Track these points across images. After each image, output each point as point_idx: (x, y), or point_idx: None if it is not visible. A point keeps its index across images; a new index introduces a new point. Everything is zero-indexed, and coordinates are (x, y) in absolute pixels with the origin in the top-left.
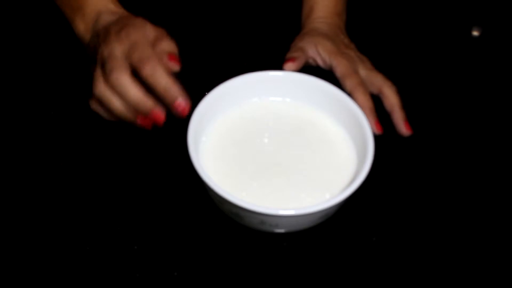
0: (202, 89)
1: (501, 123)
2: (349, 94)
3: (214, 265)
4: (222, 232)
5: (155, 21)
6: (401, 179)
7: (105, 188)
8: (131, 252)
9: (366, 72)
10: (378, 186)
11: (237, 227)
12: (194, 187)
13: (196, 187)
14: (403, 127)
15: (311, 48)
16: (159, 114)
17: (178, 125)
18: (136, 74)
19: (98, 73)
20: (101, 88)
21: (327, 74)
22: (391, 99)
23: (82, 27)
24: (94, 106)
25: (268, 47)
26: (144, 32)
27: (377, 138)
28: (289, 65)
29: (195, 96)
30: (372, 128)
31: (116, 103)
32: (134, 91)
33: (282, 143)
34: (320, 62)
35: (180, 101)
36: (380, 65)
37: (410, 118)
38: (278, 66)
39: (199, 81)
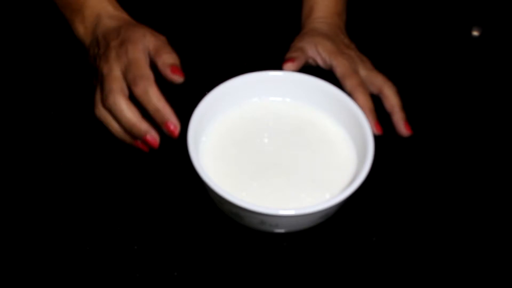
0: (202, 89)
1: (501, 123)
2: (349, 94)
3: (214, 265)
4: (222, 232)
5: (155, 22)
6: (401, 179)
7: (105, 188)
8: (131, 252)
9: (366, 72)
10: (378, 186)
11: (237, 227)
12: (194, 187)
13: (196, 187)
14: (403, 128)
15: (311, 48)
16: (153, 139)
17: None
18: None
19: (98, 95)
20: (100, 111)
21: (327, 74)
22: (391, 100)
23: (82, 30)
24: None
25: (268, 47)
26: (144, 45)
27: (377, 138)
28: (288, 65)
29: (195, 96)
30: (371, 128)
31: (114, 126)
32: (129, 115)
33: (282, 143)
34: (320, 62)
35: (170, 123)
36: (380, 65)
37: (410, 118)
38: (278, 66)
39: (199, 81)
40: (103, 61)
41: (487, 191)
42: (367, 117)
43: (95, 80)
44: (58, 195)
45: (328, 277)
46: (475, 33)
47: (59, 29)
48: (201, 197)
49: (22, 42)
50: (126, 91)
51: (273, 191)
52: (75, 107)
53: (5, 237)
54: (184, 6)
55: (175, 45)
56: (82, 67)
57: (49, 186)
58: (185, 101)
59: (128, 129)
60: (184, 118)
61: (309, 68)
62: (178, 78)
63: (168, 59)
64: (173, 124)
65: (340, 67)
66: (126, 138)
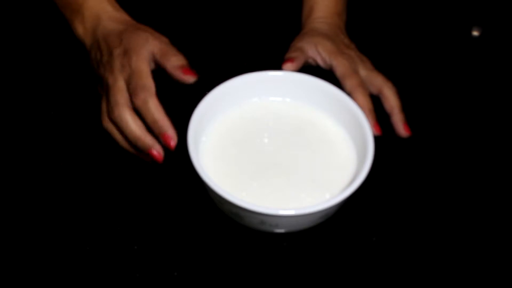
0: (202, 89)
1: (501, 123)
2: (349, 94)
3: (214, 265)
4: (222, 232)
5: (155, 22)
6: (401, 179)
7: (105, 188)
8: (131, 252)
9: (366, 72)
10: (378, 186)
11: (237, 227)
12: (194, 187)
13: (196, 187)
14: (402, 129)
15: (311, 48)
16: (157, 153)
17: (178, 125)
18: None
19: (104, 106)
20: (107, 123)
21: (327, 74)
22: (391, 101)
23: (81, 30)
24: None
25: (268, 47)
26: (148, 51)
27: (377, 138)
28: (288, 65)
29: (195, 96)
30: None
31: (120, 138)
32: (133, 128)
33: (282, 143)
34: (320, 62)
35: (167, 136)
36: (380, 65)
37: (409, 118)
38: (278, 66)
39: (199, 81)
40: (108, 71)
41: (487, 191)
42: (367, 117)
43: (99, 88)
44: (58, 195)
45: (328, 277)
46: (475, 33)
47: (59, 29)
48: (201, 197)
49: (22, 42)
50: (131, 103)
51: (273, 191)
52: (75, 107)
53: (5, 237)
54: (184, 6)
55: (175, 45)
56: (82, 67)
57: (49, 186)
58: (185, 101)
59: (133, 142)
60: (184, 118)
61: (309, 68)
62: (191, 78)
63: (176, 61)
64: (170, 136)
65: (340, 67)
66: (131, 150)
